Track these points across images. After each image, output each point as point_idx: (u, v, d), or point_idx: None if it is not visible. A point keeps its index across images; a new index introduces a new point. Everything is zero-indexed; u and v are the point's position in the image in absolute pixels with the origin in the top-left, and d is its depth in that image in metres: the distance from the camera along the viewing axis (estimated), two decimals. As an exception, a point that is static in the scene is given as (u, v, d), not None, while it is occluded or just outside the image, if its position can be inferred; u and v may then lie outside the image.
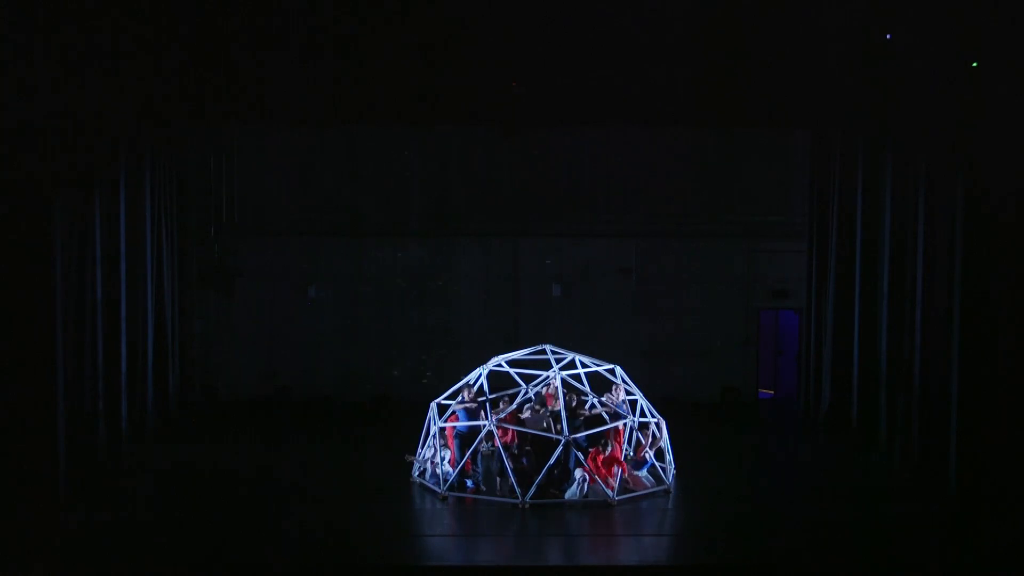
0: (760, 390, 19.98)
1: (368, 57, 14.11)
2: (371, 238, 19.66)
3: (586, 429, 13.52)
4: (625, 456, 13.48)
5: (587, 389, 14.42)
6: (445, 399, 14.18)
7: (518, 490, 12.95)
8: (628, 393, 14.27)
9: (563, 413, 13.36)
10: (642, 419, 13.94)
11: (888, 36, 14.30)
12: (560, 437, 13.17)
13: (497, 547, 12.02)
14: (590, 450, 13.33)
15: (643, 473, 13.74)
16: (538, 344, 14.82)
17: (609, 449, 13.26)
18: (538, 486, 12.95)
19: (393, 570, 11.23)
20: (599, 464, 13.17)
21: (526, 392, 13.97)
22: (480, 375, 14.42)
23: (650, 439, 13.88)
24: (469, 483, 13.51)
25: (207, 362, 19.50)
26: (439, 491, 13.36)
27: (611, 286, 19.78)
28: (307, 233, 19.62)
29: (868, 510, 12.96)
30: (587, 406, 14.06)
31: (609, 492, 13.07)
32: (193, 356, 18.96)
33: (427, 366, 19.63)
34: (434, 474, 13.70)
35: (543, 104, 15.02)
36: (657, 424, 14.08)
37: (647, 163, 19.47)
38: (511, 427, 13.47)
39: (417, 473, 14.06)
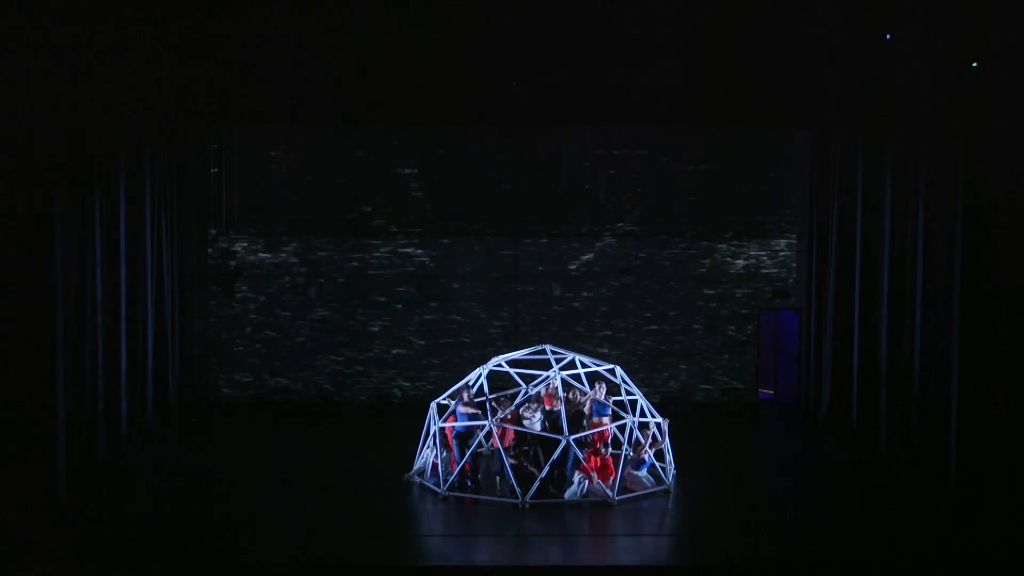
0: (760, 390, 19.97)
1: (368, 57, 14.12)
2: (371, 238, 19.66)
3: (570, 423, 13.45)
4: (625, 456, 13.47)
5: (587, 389, 14.41)
6: (445, 399, 14.19)
7: (518, 490, 12.94)
8: (628, 393, 14.26)
9: (563, 413, 13.36)
10: (642, 419, 13.94)
11: (888, 36, 14.31)
12: (560, 437, 13.16)
13: (497, 547, 12.02)
14: (587, 450, 13.32)
15: (643, 473, 13.74)
16: (538, 344, 14.82)
17: (603, 450, 13.25)
18: (538, 486, 12.95)
19: (393, 570, 11.23)
20: (596, 465, 13.16)
21: (526, 392, 13.98)
22: (480, 375, 14.42)
23: (650, 439, 13.87)
24: (469, 483, 13.51)
25: (207, 362, 19.49)
26: (439, 491, 13.36)
27: (611, 286, 19.78)
28: (307, 233, 19.62)
29: (868, 510, 12.96)
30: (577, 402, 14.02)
31: (609, 492, 13.07)
32: (193, 356, 18.95)
33: (427, 367, 19.64)
34: (434, 474, 13.71)
35: (543, 104, 15.02)
36: (658, 425, 14.07)
37: (647, 163, 19.49)
38: (511, 427, 13.48)
39: (417, 473, 14.06)
